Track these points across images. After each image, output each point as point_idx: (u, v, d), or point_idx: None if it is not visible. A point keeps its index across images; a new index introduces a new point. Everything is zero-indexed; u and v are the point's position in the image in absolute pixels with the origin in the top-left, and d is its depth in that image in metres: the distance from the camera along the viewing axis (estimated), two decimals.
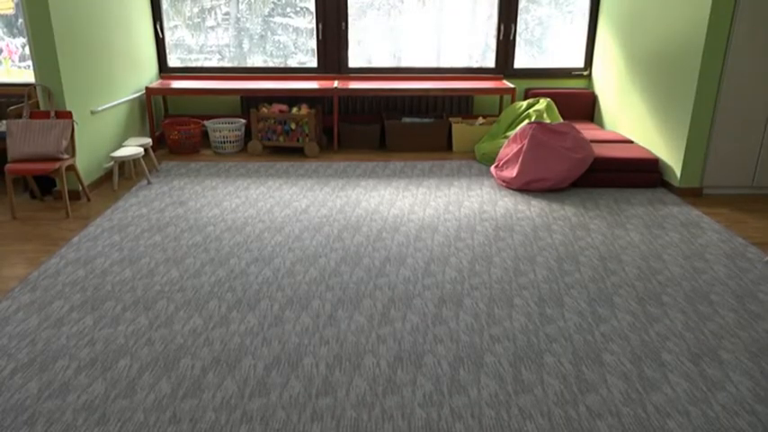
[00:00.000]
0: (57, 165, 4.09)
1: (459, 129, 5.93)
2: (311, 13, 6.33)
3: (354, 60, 6.47)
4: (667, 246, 3.72)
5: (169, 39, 6.36)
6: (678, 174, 4.64)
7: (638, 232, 3.93)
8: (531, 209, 4.36)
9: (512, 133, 5.08)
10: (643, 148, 5.10)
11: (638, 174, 4.84)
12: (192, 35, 6.47)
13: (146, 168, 4.91)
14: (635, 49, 5.41)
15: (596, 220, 4.14)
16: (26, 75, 5.62)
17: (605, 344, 2.64)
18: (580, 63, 6.50)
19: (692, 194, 4.66)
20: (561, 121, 5.37)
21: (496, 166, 5.06)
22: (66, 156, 4.22)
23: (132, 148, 4.84)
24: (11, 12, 5.18)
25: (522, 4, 6.33)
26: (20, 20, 5.53)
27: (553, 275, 3.31)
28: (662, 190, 4.80)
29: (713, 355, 2.56)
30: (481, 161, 5.56)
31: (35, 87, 4.36)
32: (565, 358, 2.52)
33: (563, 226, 4.03)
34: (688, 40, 4.49)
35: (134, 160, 5.01)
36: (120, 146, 5.21)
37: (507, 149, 4.97)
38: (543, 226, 4.03)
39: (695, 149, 4.55)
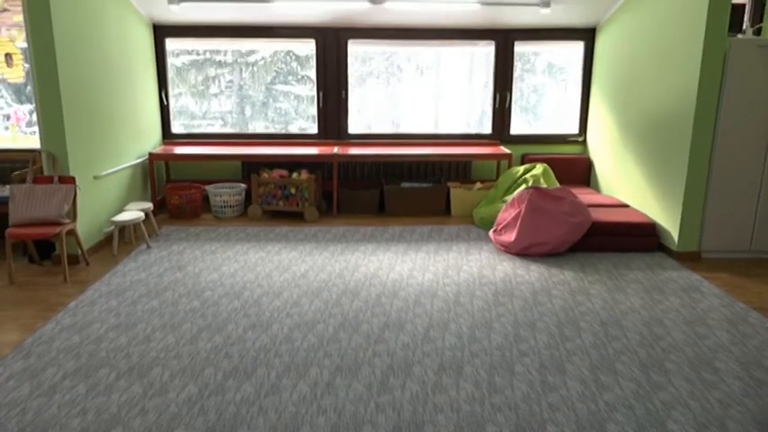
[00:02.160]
0: (57, 229, 4.11)
1: (458, 193, 5.99)
2: (312, 81, 6.52)
3: (354, 127, 6.62)
4: (668, 311, 3.69)
5: (173, 105, 6.52)
6: (676, 238, 4.66)
7: (639, 297, 3.91)
8: (531, 273, 4.35)
9: (509, 198, 5.13)
10: (640, 212, 5.14)
11: (636, 238, 4.86)
12: (196, 102, 6.64)
13: (146, 233, 4.93)
14: (627, 116, 5.54)
15: (596, 285, 4.12)
16: (32, 140, 5.72)
17: (609, 413, 2.58)
18: (575, 129, 6.65)
19: (690, 258, 4.67)
20: (558, 185, 5.44)
21: (495, 231, 5.08)
22: (67, 220, 4.24)
23: (133, 213, 4.87)
24: (21, 80, 5.33)
25: (516, 73, 6.54)
26: (28, 87, 5.68)
27: (554, 341, 3.27)
28: (660, 254, 4.81)
29: (720, 424, 2.50)
30: (479, 225, 5.60)
31: (40, 153, 4.44)
32: (568, 428, 2.46)
33: (563, 291, 4.02)
34: (679, 108, 4.61)
35: (134, 224, 5.03)
36: (121, 210, 5.25)
37: (505, 214, 5.01)
38: (543, 290, 4.01)
39: (691, 214, 4.59)
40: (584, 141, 6.63)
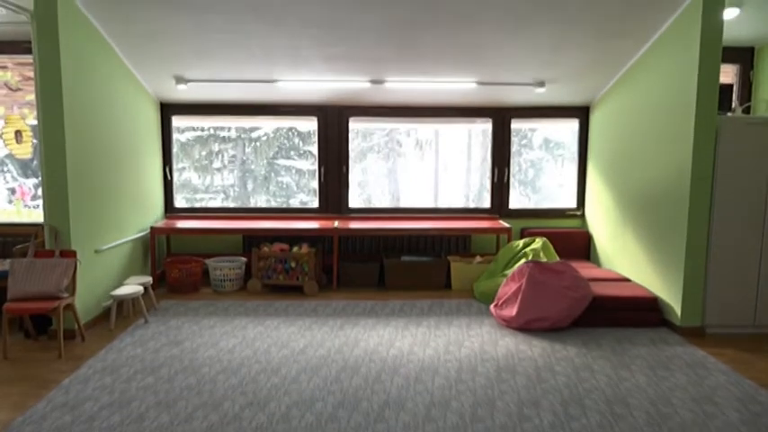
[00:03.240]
0: (55, 304, 4.08)
1: (458, 267, 5.99)
2: (314, 156, 6.65)
3: (354, 201, 6.70)
4: (675, 388, 3.61)
5: (177, 179, 6.62)
6: (679, 313, 4.62)
7: (644, 374, 3.83)
8: (533, 349, 4.28)
9: (510, 272, 5.13)
10: (641, 286, 5.12)
11: (639, 313, 4.82)
12: (199, 176, 6.75)
13: (144, 307, 4.89)
14: (624, 191, 5.62)
15: (600, 361, 4.05)
16: (35, 214, 5.78)
17: None
18: (573, 203, 6.73)
19: (694, 334, 4.61)
20: (558, 259, 5.45)
21: (496, 305, 5.05)
22: (65, 295, 4.22)
23: (132, 287, 4.85)
24: (28, 156, 5.44)
25: (514, 148, 6.69)
26: (35, 161, 5.79)
27: (559, 421, 3.18)
28: (664, 329, 4.75)
29: None
30: (480, 300, 5.56)
31: (43, 227, 4.47)
32: None
33: (566, 367, 3.94)
34: (674, 184, 4.68)
35: (133, 299, 5.00)
36: (120, 284, 5.23)
37: (506, 288, 4.99)
38: (546, 367, 3.94)
39: (693, 288, 4.57)
40: (583, 215, 6.69)
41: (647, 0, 4.43)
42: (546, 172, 6.82)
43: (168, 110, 6.37)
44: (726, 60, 5.42)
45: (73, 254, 4.34)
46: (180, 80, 5.72)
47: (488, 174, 6.69)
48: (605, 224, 6.09)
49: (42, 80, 4.22)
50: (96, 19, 4.65)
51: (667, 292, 4.79)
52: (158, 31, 4.83)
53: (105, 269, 5.03)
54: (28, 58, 5.29)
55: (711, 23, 4.29)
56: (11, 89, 5.41)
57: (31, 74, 5.15)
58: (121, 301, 5.17)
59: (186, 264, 5.94)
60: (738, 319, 4.62)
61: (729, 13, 4.62)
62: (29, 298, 4.16)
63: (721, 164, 4.46)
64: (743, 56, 5.67)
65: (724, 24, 4.35)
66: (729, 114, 4.76)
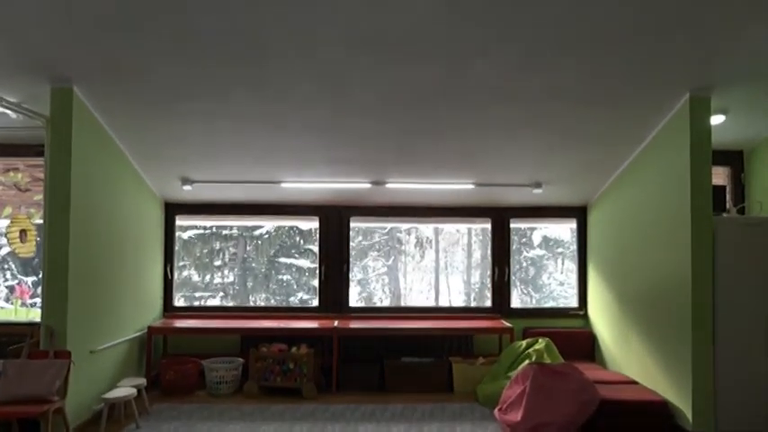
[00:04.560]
0: (45, 407, 3.95)
1: (460, 368, 5.85)
2: (315, 254, 6.69)
3: (355, 299, 6.65)
4: None
5: (177, 277, 6.61)
6: (690, 417, 4.46)
7: None
8: None
9: (513, 374, 5.00)
10: (649, 389, 4.98)
11: (648, 417, 4.64)
12: (200, 274, 6.75)
13: (136, 411, 4.73)
14: (625, 291, 5.60)
15: None
16: (32, 313, 5.72)
17: None
18: (575, 302, 6.67)
19: None
20: (562, 361, 5.33)
21: (500, 409, 4.88)
22: (56, 398, 4.09)
23: (125, 389, 4.72)
24: (31, 255, 5.47)
25: (514, 246, 6.73)
26: (36, 260, 5.82)
27: None
28: None
29: None
30: (483, 404, 5.38)
31: (39, 327, 4.41)
32: None
33: None
34: (675, 285, 4.67)
35: (125, 402, 4.84)
36: (113, 386, 5.09)
37: (510, 391, 4.85)
38: None
39: (703, 391, 4.44)
40: (586, 315, 6.62)
41: (634, 110, 4.64)
42: (546, 270, 6.82)
43: (173, 209, 6.47)
44: (717, 163, 5.58)
45: (67, 354, 4.26)
46: (186, 181, 5.86)
47: (489, 272, 6.69)
48: (609, 324, 6.01)
49: (51, 181, 4.33)
50: (108, 124, 4.84)
51: (677, 395, 4.65)
52: (167, 135, 5.02)
53: (99, 370, 4.91)
54: (39, 161, 5.45)
55: (700, 128, 4.46)
56: (20, 189, 5.53)
57: (41, 175, 5.29)
58: (113, 405, 5.00)
59: (182, 365, 5.81)
60: (753, 423, 4.46)
61: (716, 119, 4.81)
62: (18, 401, 4.03)
63: (720, 264, 4.48)
64: (733, 158, 5.85)
65: (712, 129, 4.52)
66: (725, 215, 4.83)
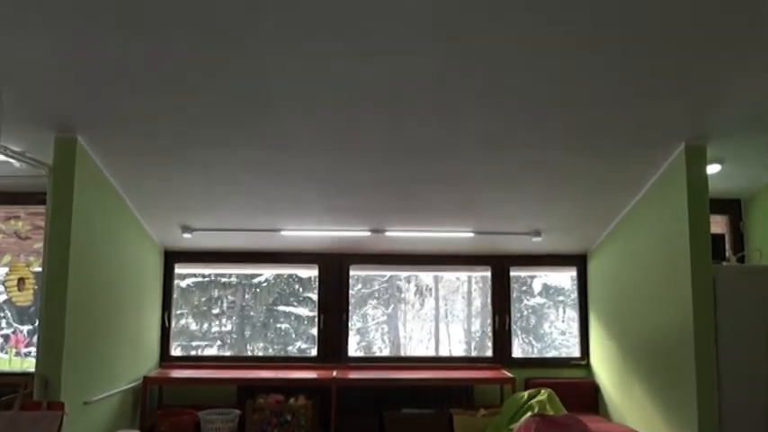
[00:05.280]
0: None
1: (461, 420, 5.72)
2: (314, 302, 6.64)
3: (354, 348, 6.57)
4: None
5: (174, 326, 6.55)
6: None
7: None
8: None
9: (515, 426, 4.90)
10: None
11: None
12: (197, 322, 6.69)
13: None
14: (627, 340, 5.54)
15: None
16: (27, 363, 5.65)
17: None
18: (577, 352, 6.59)
19: None
20: (565, 412, 5.23)
21: None
22: None
23: None
24: (28, 304, 5.44)
25: (514, 295, 6.68)
26: (32, 308, 5.78)
27: None
28: None
29: None
30: None
31: (33, 377, 4.34)
32: None
33: None
34: (677, 334, 4.62)
35: None
36: None
37: None
38: None
39: None
40: (588, 364, 6.52)
41: (631, 159, 4.70)
42: (548, 319, 6.77)
43: (172, 257, 6.45)
44: (715, 211, 5.60)
45: (60, 406, 4.17)
46: (186, 229, 5.87)
47: (489, 321, 6.63)
48: (611, 374, 5.92)
49: (52, 229, 4.34)
50: (110, 172, 4.89)
51: None
52: (168, 184, 5.07)
53: (93, 421, 4.80)
54: (41, 209, 5.47)
55: (697, 178, 4.51)
56: (20, 237, 5.54)
57: (42, 223, 5.31)
58: None
59: (178, 416, 5.68)
60: None
61: (712, 169, 4.86)
62: None
63: (722, 313, 4.45)
64: (731, 207, 5.88)
65: (709, 178, 4.56)
66: (725, 264, 4.83)
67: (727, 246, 5.67)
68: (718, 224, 5.89)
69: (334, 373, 5.97)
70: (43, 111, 4.08)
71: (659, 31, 3.24)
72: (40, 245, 5.46)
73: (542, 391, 5.54)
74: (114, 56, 3.46)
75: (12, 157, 4.36)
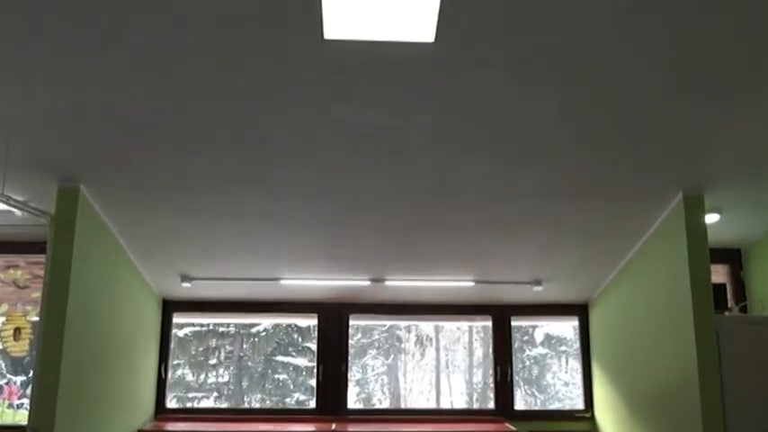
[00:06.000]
0: None
1: None
2: (313, 352, 6.55)
3: (354, 400, 6.44)
4: None
5: (170, 377, 6.44)
6: None
7: None
8: None
9: None
10: None
11: None
12: (194, 373, 6.58)
13: None
14: (632, 391, 5.44)
15: None
16: (19, 416, 5.53)
17: None
18: (581, 404, 6.46)
19: None
20: None
21: None
22: None
23: None
24: (23, 354, 5.37)
25: (516, 345, 6.60)
26: (27, 359, 5.69)
27: None
28: None
29: None
30: None
31: (24, 430, 4.24)
32: None
33: None
34: (682, 385, 4.54)
35: None
36: None
37: None
38: None
39: None
40: (592, 417, 6.38)
41: (629, 209, 4.72)
42: (550, 370, 6.67)
43: (170, 307, 6.39)
44: (715, 261, 5.59)
45: None
46: (185, 278, 5.85)
47: (491, 371, 6.53)
48: (616, 427, 5.78)
49: (51, 278, 4.32)
50: (112, 222, 4.90)
51: None
52: (169, 232, 5.07)
53: None
54: (40, 257, 5.46)
55: (695, 227, 4.51)
56: (18, 287, 5.51)
57: (41, 272, 5.29)
58: None
59: None
60: None
61: (710, 218, 4.88)
62: None
63: (726, 363, 4.38)
64: (732, 256, 5.88)
65: (708, 227, 4.58)
66: (727, 314, 4.79)
67: (729, 295, 5.64)
68: (719, 273, 5.87)
69: (334, 426, 5.84)
70: (47, 160, 4.12)
71: (658, 82, 3.30)
72: (38, 294, 5.42)
73: None
74: (117, 106, 3.51)
75: (15, 206, 4.38)
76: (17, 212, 4.62)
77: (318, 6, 2.67)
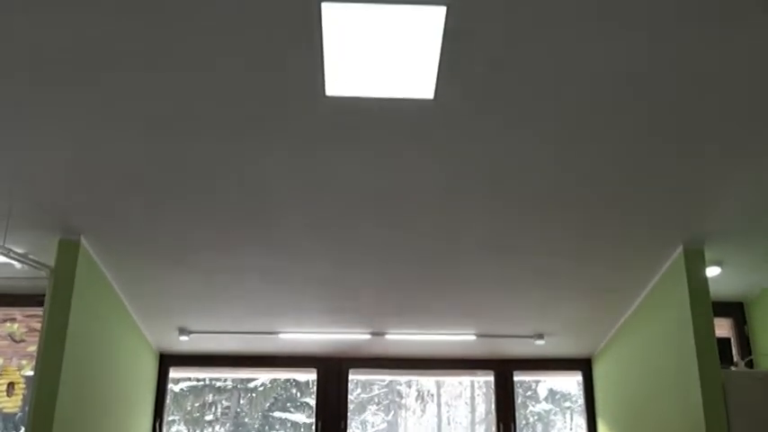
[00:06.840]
0: None
1: None
2: (311, 408, 6.41)
3: None
4: None
5: None
6: None
7: None
8: None
9: None
10: None
11: None
12: (189, 430, 6.42)
13: None
14: None
15: None
16: None
17: None
18: None
19: None
20: None
21: None
22: None
23: None
24: (16, 410, 5.26)
25: (519, 400, 6.46)
26: (19, 414, 5.56)
27: None
28: None
29: None
30: None
31: None
32: None
33: None
34: None
35: None
36: None
37: None
38: None
39: None
40: None
41: (630, 263, 4.72)
42: (555, 426, 6.51)
43: (167, 361, 6.29)
44: (719, 314, 5.54)
45: None
46: (183, 331, 5.78)
47: (494, 428, 6.37)
48: None
49: (48, 331, 4.27)
50: (111, 275, 4.89)
51: None
52: (167, 286, 5.06)
53: None
54: (37, 310, 5.42)
55: (697, 280, 4.48)
56: (14, 340, 5.45)
57: (38, 325, 5.24)
58: None
59: None
60: None
61: (711, 271, 4.86)
62: None
63: (734, 419, 4.28)
64: (735, 310, 5.82)
65: (710, 281, 4.55)
66: (733, 369, 4.72)
67: (734, 350, 5.57)
68: (723, 327, 5.80)
69: None
70: (50, 215, 4.14)
71: (657, 133, 3.34)
72: (34, 348, 5.35)
73: None
74: (119, 160, 3.56)
75: (15, 259, 4.38)
76: (17, 265, 4.61)
77: (320, 63, 2.74)
